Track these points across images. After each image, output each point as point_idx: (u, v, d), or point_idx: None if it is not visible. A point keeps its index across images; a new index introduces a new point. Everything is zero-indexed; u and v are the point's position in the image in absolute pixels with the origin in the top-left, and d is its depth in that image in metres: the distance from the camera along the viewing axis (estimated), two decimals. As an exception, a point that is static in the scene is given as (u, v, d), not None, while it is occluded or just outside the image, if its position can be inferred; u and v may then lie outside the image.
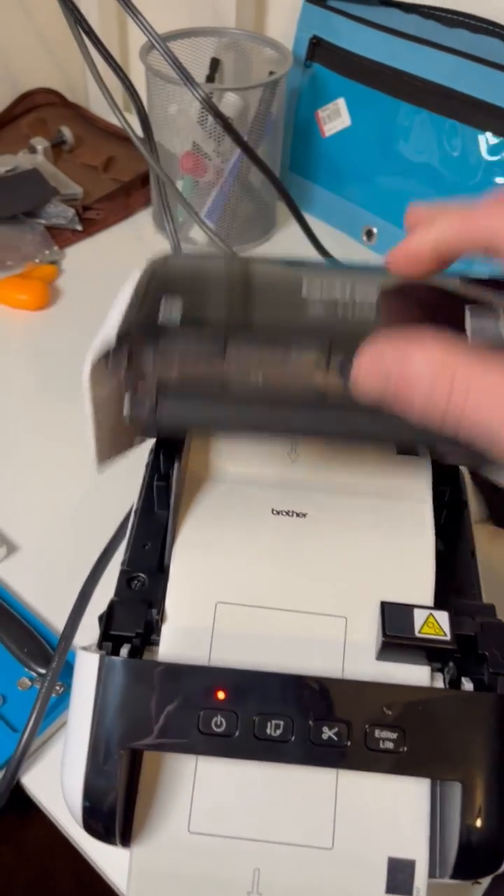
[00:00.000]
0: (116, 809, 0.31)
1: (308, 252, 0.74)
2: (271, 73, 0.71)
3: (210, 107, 0.60)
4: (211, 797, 0.32)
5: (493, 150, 0.66)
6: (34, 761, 0.42)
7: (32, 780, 0.42)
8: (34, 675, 0.43)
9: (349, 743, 0.31)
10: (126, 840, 0.32)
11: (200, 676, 0.32)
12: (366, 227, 0.78)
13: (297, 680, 0.31)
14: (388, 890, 0.32)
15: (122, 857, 0.33)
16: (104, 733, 0.31)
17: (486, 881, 0.39)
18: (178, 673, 0.32)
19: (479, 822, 0.31)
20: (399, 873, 0.32)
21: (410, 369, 0.24)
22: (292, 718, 0.31)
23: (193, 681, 0.31)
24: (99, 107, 0.92)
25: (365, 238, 0.78)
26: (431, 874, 0.32)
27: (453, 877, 0.31)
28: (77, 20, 0.55)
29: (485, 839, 0.31)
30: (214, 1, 0.76)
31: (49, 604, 0.48)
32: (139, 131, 0.63)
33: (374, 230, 0.77)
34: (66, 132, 0.86)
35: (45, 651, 0.44)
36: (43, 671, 0.43)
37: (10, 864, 1.05)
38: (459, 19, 0.65)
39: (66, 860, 1.02)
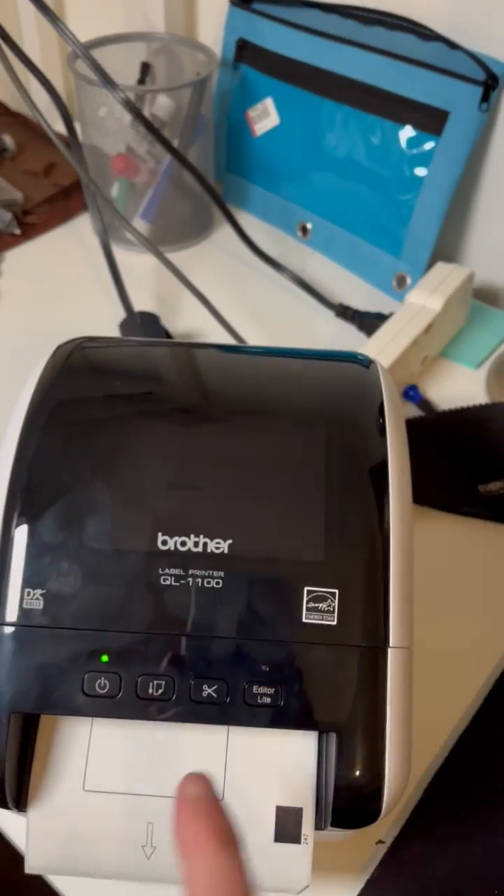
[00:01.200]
0: (7, 774, 0.32)
1: (244, 253, 0.76)
2: (198, 74, 0.73)
3: (132, 109, 0.61)
4: (105, 757, 0.34)
5: (411, 143, 0.68)
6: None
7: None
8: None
9: (228, 699, 0.32)
10: (21, 805, 0.33)
11: (83, 641, 0.33)
12: (300, 223, 0.79)
13: (178, 640, 0.33)
14: (277, 838, 0.33)
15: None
16: (-8, 700, 0.32)
17: (388, 843, 0.40)
18: (62, 638, 0.33)
19: (351, 771, 0.32)
20: (287, 822, 0.33)
21: None
22: (173, 678, 0.32)
23: (76, 645, 0.33)
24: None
25: (300, 233, 0.80)
26: (318, 826, 0.33)
27: (333, 825, 0.32)
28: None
29: (358, 787, 0.32)
30: (144, 6, 0.78)
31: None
32: (70, 151, 0.64)
33: (309, 225, 0.79)
34: (8, 140, 0.87)
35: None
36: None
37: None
38: (376, 17, 0.67)
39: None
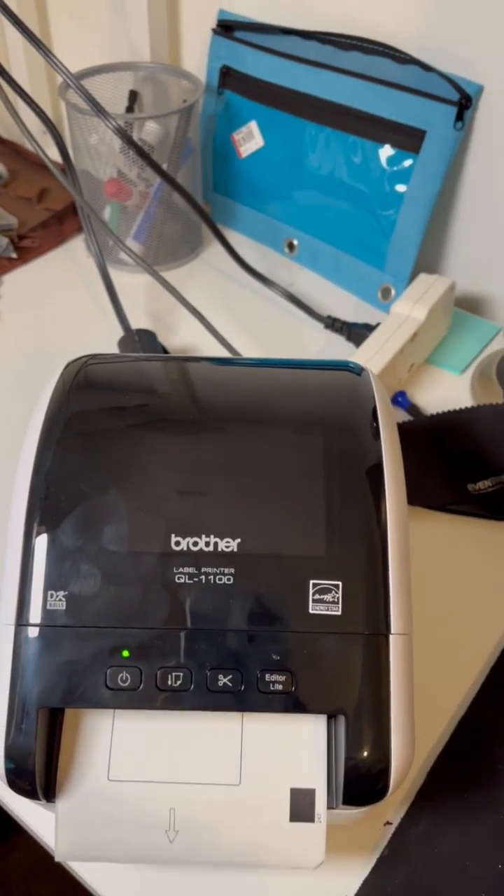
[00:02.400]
0: (37, 766, 0.34)
1: (233, 271, 0.78)
2: (185, 101, 0.76)
3: (123, 135, 0.64)
4: (128, 748, 0.36)
5: (391, 161, 0.71)
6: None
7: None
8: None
9: (242, 687, 0.34)
10: (50, 795, 0.35)
11: (105, 638, 0.35)
12: (287, 240, 0.82)
13: (193, 634, 0.35)
14: (293, 818, 0.35)
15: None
16: (21, 697, 0.35)
17: (395, 823, 0.42)
18: (84, 636, 0.35)
19: (360, 751, 0.34)
20: (301, 802, 0.35)
21: None
22: (191, 669, 0.35)
23: (99, 642, 0.35)
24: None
25: (287, 250, 0.83)
26: (330, 805, 0.35)
27: (345, 804, 0.35)
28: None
29: (367, 766, 0.34)
30: (130, 36, 0.81)
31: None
32: (66, 174, 0.67)
33: (295, 242, 0.82)
34: (1, 167, 0.90)
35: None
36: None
37: (-5, 891, 1.05)
38: (353, 43, 0.71)
39: (53, 882, 1.03)
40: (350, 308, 0.77)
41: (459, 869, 0.40)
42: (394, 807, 0.43)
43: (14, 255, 0.80)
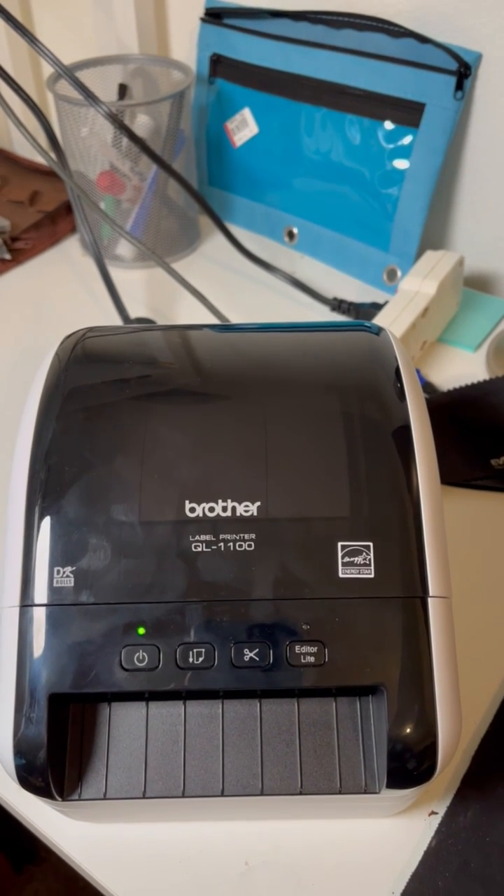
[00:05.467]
0: (49, 760, 0.31)
1: (234, 262, 0.76)
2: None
3: (115, 120, 0.62)
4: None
5: (390, 137, 0.69)
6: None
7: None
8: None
9: (271, 662, 0.31)
10: (64, 793, 0.32)
11: (118, 615, 0.32)
12: (286, 228, 0.80)
13: (214, 607, 0.32)
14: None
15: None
16: (29, 684, 0.32)
17: (441, 813, 0.39)
18: (97, 614, 0.32)
19: (403, 727, 0.31)
20: None
21: None
22: (213, 645, 0.32)
23: (111, 620, 0.32)
24: (22, 148, 0.95)
25: (287, 239, 0.81)
26: (373, 789, 0.32)
27: (389, 787, 0.31)
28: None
29: (411, 743, 0.31)
30: (116, 29, 0.80)
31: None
32: (54, 157, 0.65)
33: (295, 230, 0.80)
34: (-9, 172, 0.88)
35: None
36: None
37: (11, 925, 1.01)
38: (345, 20, 0.69)
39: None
40: (355, 293, 0.74)
41: (514, 859, 0.37)
42: (438, 796, 0.40)
43: (8, 257, 0.78)
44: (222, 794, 0.32)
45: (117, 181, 0.74)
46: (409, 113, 0.67)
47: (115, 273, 0.74)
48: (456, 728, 0.32)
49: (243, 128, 0.78)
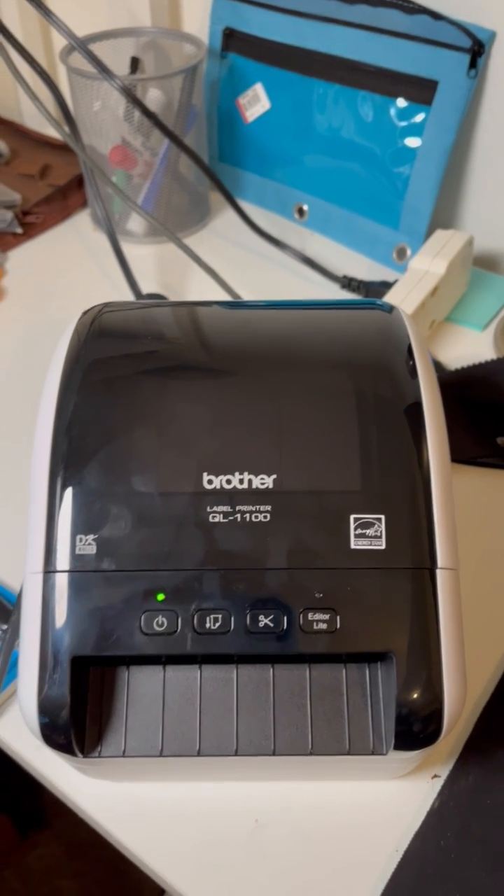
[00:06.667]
0: (71, 719, 0.33)
1: (244, 238, 0.77)
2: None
3: (128, 93, 0.63)
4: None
5: (403, 115, 0.69)
6: (2, 713, 0.43)
7: (2, 731, 0.43)
8: (-4, 631, 0.45)
9: (285, 628, 0.33)
10: (86, 750, 0.34)
11: (138, 582, 0.33)
12: (297, 205, 0.81)
13: (231, 575, 0.33)
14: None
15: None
16: (53, 647, 0.33)
17: (444, 776, 0.40)
18: (117, 581, 0.33)
19: (411, 691, 0.32)
20: None
21: None
22: (229, 611, 0.33)
23: (132, 586, 0.33)
24: (33, 121, 0.95)
25: (297, 216, 0.81)
26: (379, 751, 0.34)
27: (395, 749, 0.33)
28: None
29: (418, 706, 0.32)
30: (129, 2, 0.79)
31: (3, 564, 0.49)
32: (67, 130, 0.65)
33: (305, 207, 0.80)
34: (2, 145, 0.88)
35: (3, 607, 0.45)
36: (4, 626, 0.45)
37: (17, 888, 1.04)
38: (359, -4, 0.69)
39: (74, 877, 1.02)
40: (364, 271, 0.75)
41: (513, 821, 0.39)
42: (441, 760, 0.41)
43: (19, 231, 0.79)
44: (236, 754, 0.34)
45: (129, 156, 0.75)
46: (421, 90, 0.67)
47: (126, 248, 0.74)
48: (461, 694, 0.33)
49: (255, 103, 0.78)
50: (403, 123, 0.69)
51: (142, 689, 0.34)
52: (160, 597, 0.33)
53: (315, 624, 0.33)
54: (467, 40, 0.64)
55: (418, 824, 0.39)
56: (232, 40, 0.77)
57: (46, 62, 0.93)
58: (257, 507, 0.34)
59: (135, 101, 0.63)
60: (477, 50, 0.64)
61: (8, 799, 1.07)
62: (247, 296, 0.69)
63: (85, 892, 1.03)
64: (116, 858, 0.45)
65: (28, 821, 1.07)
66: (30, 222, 0.81)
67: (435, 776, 0.41)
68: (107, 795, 0.40)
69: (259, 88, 0.77)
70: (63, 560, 0.34)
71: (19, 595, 0.44)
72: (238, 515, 0.34)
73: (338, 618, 0.33)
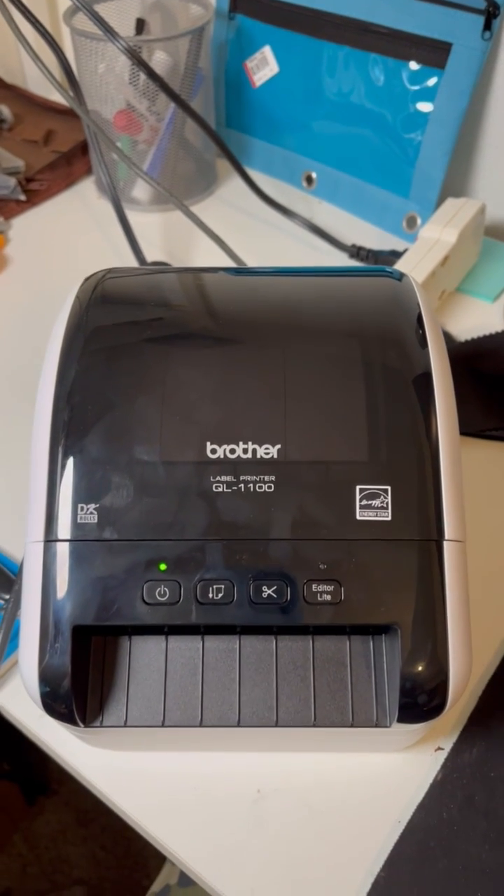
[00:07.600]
0: (72, 689, 0.32)
1: (251, 206, 0.75)
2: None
3: (133, 55, 0.61)
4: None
5: (415, 78, 0.67)
6: (4, 683, 0.43)
7: (4, 701, 0.43)
8: (-1, 601, 0.45)
9: (288, 598, 0.32)
10: (84, 718, 0.33)
11: (140, 551, 0.33)
12: (305, 173, 0.79)
13: (234, 545, 0.33)
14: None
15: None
16: (54, 616, 0.33)
17: (448, 749, 0.40)
18: (120, 550, 0.33)
19: (416, 664, 0.32)
20: None
21: None
22: (232, 582, 0.32)
23: (134, 556, 0.33)
24: (36, 85, 0.93)
25: (305, 183, 0.79)
26: (384, 723, 0.33)
27: (400, 721, 0.33)
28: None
29: (423, 679, 0.32)
30: (135, -38, 0.77)
31: (7, 534, 0.49)
32: (70, 93, 0.64)
33: (314, 175, 0.78)
34: (5, 110, 0.87)
35: (6, 577, 0.45)
36: (7, 596, 0.44)
37: (24, 853, 1.05)
38: (371, -46, 0.67)
39: (80, 843, 1.03)
40: (374, 240, 0.73)
41: (516, 794, 0.39)
42: (445, 733, 0.41)
43: (22, 198, 0.78)
44: (238, 725, 0.33)
45: (134, 121, 0.73)
46: (434, 53, 0.66)
47: (131, 216, 0.73)
48: (466, 667, 0.33)
49: (263, 67, 0.76)
50: (415, 87, 0.68)
51: (144, 659, 0.34)
52: (162, 566, 0.33)
53: (319, 595, 0.32)
54: (482, 1, 0.62)
55: (421, 796, 0.39)
56: (240, 1, 0.75)
57: (50, 24, 0.91)
58: (261, 477, 0.33)
59: (140, 62, 0.61)
60: (492, 11, 0.62)
61: (16, 766, 1.08)
62: (253, 264, 0.68)
63: (91, 858, 1.04)
64: (122, 826, 0.46)
65: (35, 787, 1.08)
66: (33, 189, 0.79)
67: (439, 749, 0.40)
68: (109, 764, 0.40)
69: (267, 51, 0.75)
70: (64, 529, 0.33)
71: (21, 564, 0.44)
72: (242, 485, 0.33)
73: (342, 589, 0.32)
